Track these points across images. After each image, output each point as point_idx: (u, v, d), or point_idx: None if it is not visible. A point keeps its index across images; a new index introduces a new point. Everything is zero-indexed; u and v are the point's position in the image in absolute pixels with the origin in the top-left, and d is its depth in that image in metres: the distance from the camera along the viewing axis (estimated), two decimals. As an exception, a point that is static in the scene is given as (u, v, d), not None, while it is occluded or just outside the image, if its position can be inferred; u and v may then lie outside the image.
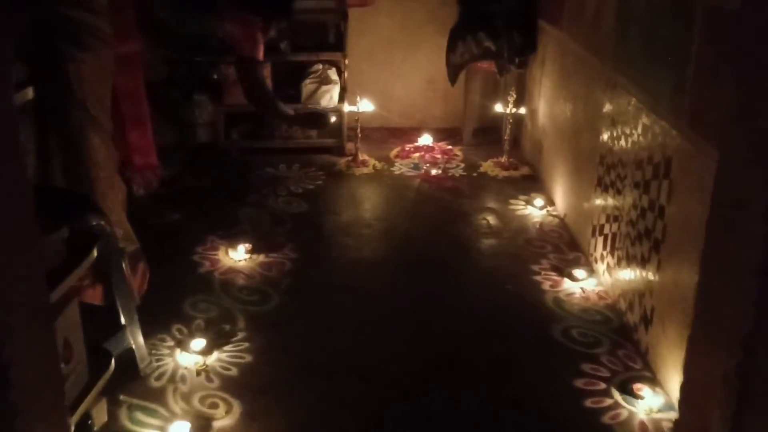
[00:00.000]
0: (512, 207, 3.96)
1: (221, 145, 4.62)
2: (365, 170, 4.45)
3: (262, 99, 4.12)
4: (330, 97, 4.59)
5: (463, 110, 4.99)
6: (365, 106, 4.47)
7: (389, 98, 5.11)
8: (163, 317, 2.81)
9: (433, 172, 4.44)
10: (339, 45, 4.60)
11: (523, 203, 3.99)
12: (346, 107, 4.55)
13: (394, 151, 4.75)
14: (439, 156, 4.69)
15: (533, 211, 3.90)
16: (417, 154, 4.71)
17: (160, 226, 3.59)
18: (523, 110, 4.55)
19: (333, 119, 4.57)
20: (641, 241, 2.68)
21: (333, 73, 4.63)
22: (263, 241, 3.47)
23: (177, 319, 2.82)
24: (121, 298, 2.37)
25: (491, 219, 3.83)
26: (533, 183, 4.28)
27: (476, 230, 3.72)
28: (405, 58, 5.08)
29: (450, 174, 4.43)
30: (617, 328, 2.82)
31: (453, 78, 4.68)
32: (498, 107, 4.60)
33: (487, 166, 4.51)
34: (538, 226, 3.73)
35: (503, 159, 4.51)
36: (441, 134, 4.99)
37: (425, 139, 4.85)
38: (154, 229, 3.48)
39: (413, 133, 4.98)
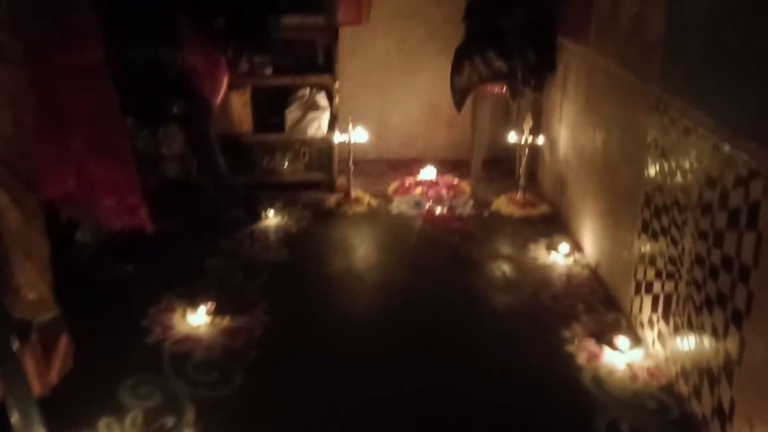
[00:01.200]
0: (532, 254, 3.33)
1: (193, 181, 4.01)
2: (359, 209, 3.83)
3: (204, 147, 3.57)
4: (318, 125, 3.99)
5: (471, 139, 4.39)
6: (359, 135, 3.87)
7: (387, 126, 4.53)
8: (88, 407, 2.18)
9: (438, 211, 3.82)
10: (329, 66, 4.01)
11: (545, 249, 3.36)
12: (337, 137, 3.95)
13: (393, 187, 4.14)
14: (444, 192, 4.07)
15: (557, 258, 3.27)
16: (419, 190, 4.10)
17: (108, 281, 2.97)
18: (540, 140, 3.94)
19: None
20: (711, 308, 2.04)
21: (322, 98, 4.04)
22: (231, 300, 2.84)
23: (107, 410, 2.19)
24: (13, 392, 1.73)
25: (507, 269, 3.19)
26: (555, 224, 3.65)
27: (489, 283, 3.08)
28: (404, 82, 4.50)
29: (457, 213, 3.80)
30: (678, 421, 2.18)
31: (459, 103, 4.09)
32: (511, 136, 3.99)
33: (500, 204, 3.89)
34: (564, 279, 3.09)
35: (518, 195, 3.89)
36: (446, 166, 4.39)
37: (428, 173, 4.25)
38: (99, 286, 2.87)
39: (414, 165, 4.39)
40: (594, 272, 3.13)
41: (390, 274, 3.17)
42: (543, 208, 3.83)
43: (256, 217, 3.66)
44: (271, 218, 3.67)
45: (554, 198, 3.85)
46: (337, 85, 4.00)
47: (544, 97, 4.02)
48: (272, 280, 3.06)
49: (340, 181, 4.07)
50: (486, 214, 3.80)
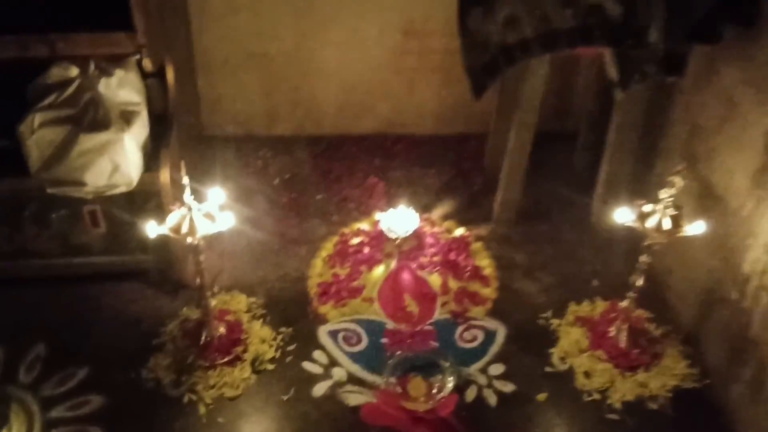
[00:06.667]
0: None
1: None
2: (229, 388, 1.53)
3: None
4: (111, 164, 1.51)
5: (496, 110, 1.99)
6: (214, 210, 1.45)
7: (313, 74, 2.10)
8: None
9: (424, 393, 1.53)
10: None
11: None
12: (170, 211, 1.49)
13: (319, 264, 1.84)
14: (436, 275, 1.81)
15: None
16: (376, 274, 1.79)
17: None
18: (698, 228, 1.43)
19: None
20: None
21: (123, 87, 1.52)
22: None
23: None
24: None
25: None
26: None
27: None
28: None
29: (474, 397, 1.52)
30: None
31: (479, 79, 1.67)
32: (621, 215, 1.50)
33: (574, 343, 1.64)
34: None
35: (619, 339, 1.61)
36: (437, 150, 2.32)
37: (403, 219, 1.87)
38: None
39: (371, 157, 2.19)
40: None
41: None
42: (678, 369, 1.58)
43: None
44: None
45: (699, 331, 1.60)
46: (146, 60, 1.46)
47: (695, 97, 1.58)
48: None
49: (187, 272, 1.71)
50: (542, 398, 1.54)
